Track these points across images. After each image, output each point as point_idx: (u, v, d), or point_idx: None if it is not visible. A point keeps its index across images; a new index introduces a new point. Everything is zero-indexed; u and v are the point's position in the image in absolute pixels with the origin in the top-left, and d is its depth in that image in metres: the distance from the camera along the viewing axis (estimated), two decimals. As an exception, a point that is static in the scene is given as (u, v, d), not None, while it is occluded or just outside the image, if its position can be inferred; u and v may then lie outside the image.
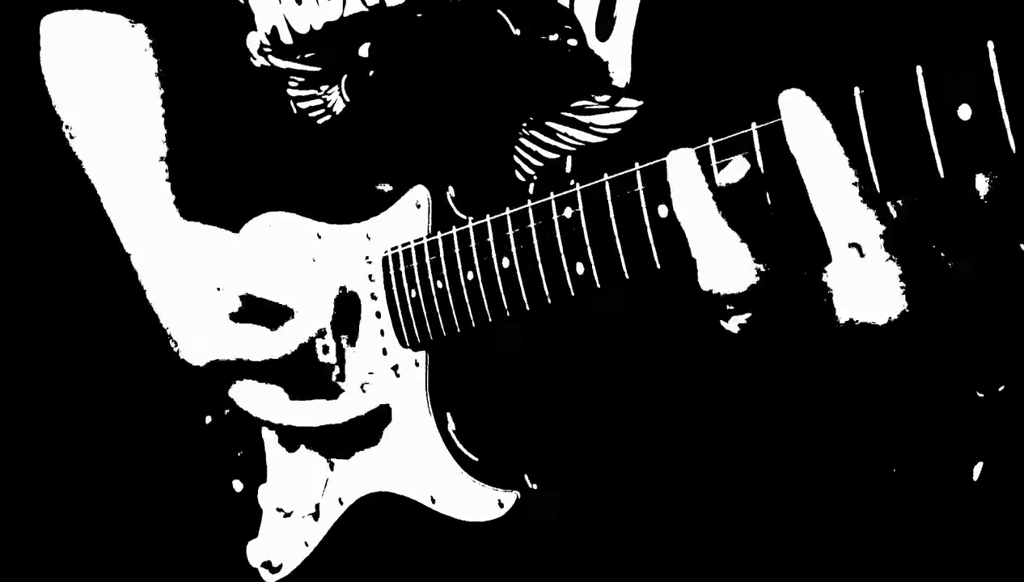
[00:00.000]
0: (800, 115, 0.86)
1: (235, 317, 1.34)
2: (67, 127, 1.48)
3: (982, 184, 0.86)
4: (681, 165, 0.93)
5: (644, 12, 1.16)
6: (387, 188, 1.29)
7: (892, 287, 0.85)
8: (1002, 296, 0.90)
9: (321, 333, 1.33)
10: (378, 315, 1.32)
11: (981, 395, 0.99)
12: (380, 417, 1.33)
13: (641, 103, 1.20)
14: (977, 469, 1.16)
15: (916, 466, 1.17)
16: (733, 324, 0.93)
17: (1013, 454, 1.15)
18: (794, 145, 0.87)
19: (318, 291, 1.33)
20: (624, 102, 1.20)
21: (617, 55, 1.18)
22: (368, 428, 1.34)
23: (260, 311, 1.34)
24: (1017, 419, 1.13)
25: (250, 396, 1.37)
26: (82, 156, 1.46)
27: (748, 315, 0.90)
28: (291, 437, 1.43)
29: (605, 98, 1.21)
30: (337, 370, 1.34)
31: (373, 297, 1.32)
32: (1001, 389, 0.99)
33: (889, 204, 0.85)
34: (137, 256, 1.42)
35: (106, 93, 1.47)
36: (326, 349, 1.34)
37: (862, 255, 0.85)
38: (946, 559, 1.20)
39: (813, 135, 0.85)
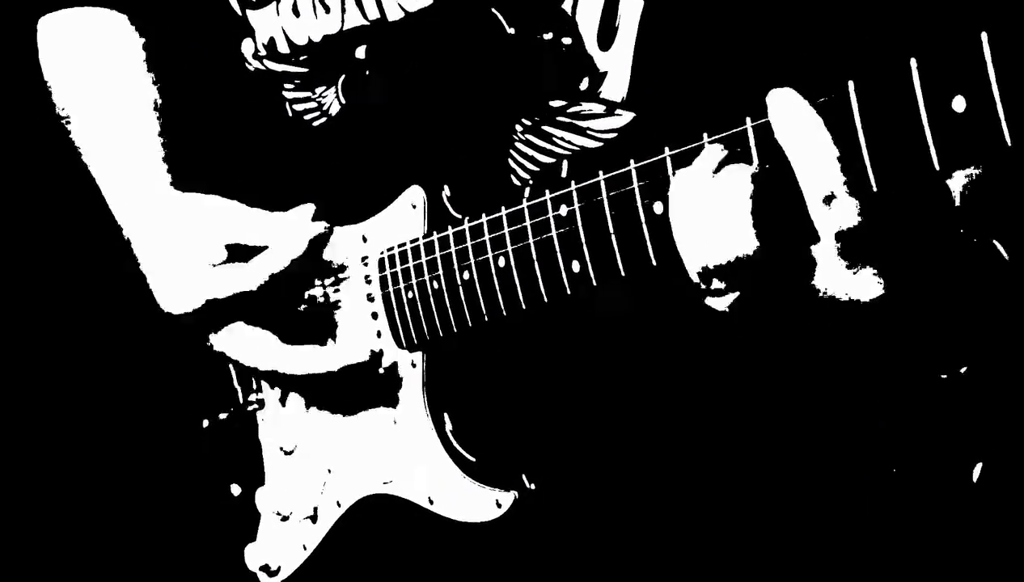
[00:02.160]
0: (787, 111, 0.87)
1: (225, 258, 1.32)
2: (67, 122, 1.47)
3: (956, 184, 0.87)
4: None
5: (646, 22, 1.16)
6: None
7: (870, 274, 0.87)
8: (967, 284, 0.91)
9: (302, 274, 1.31)
10: (375, 316, 1.32)
11: (944, 376, 1.00)
12: (375, 369, 1.30)
13: (634, 115, 1.20)
14: (977, 470, 1.16)
15: (916, 466, 1.17)
16: (721, 303, 0.94)
17: (1013, 455, 1.15)
18: (783, 140, 0.87)
19: (293, 230, 1.31)
20: (620, 111, 1.20)
21: (617, 65, 1.18)
22: (364, 384, 1.32)
23: (245, 251, 1.32)
24: (1017, 419, 1.13)
25: (238, 342, 1.34)
26: (86, 156, 1.46)
27: (736, 294, 0.91)
28: (284, 384, 1.40)
29: (600, 109, 1.21)
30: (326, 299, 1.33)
31: (370, 298, 1.32)
32: (963, 371, 0.99)
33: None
34: (140, 256, 1.41)
35: (105, 92, 1.47)
36: (313, 300, 1.33)
37: (848, 244, 0.86)
38: (946, 559, 1.20)
39: (801, 130, 0.86)
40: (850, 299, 0.88)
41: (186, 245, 1.33)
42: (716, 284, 0.91)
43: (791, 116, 0.87)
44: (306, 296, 1.34)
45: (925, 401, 1.08)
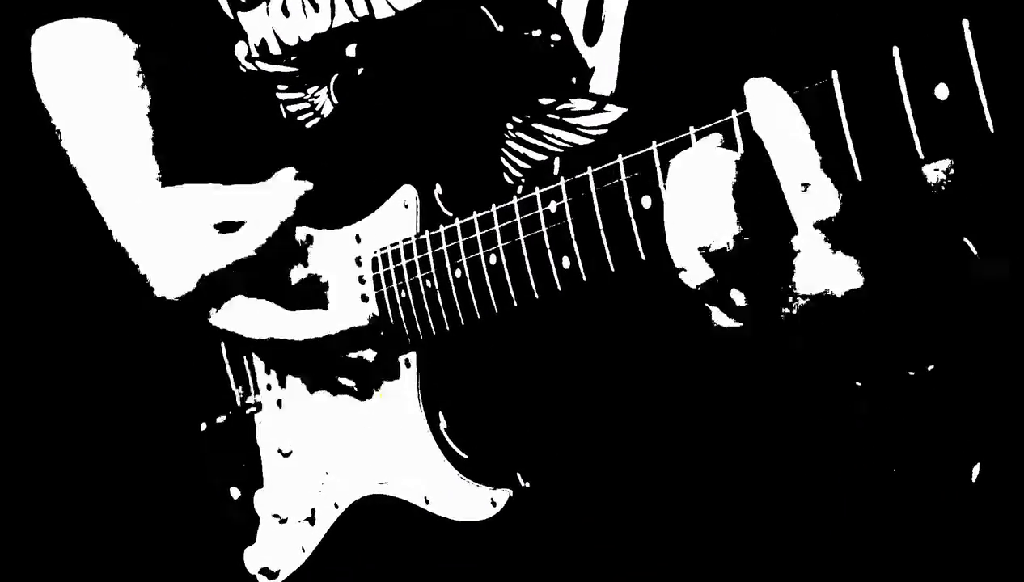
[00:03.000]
0: (764, 100, 0.87)
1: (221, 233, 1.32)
2: (58, 132, 1.48)
3: (932, 177, 0.87)
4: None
5: (632, 16, 1.16)
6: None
7: (850, 265, 0.86)
8: (937, 281, 0.91)
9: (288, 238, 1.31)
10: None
11: (912, 373, 1.00)
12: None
13: (625, 110, 1.20)
14: (976, 470, 1.15)
15: (916, 466, 1.17)
16: (722, 317, 0.93)
17: (1012, 455, 1.15)
18: (760, 129, 0.87)
19: (278, 193, 1.31)
20: (610, 108, 1.20)
21: (604, 60, 1.18)
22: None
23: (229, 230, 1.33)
24: (1016, 420, 1.12)
25: (239, 315, 1.33)
26: (75, 162, 1.47)
27: (743, 296, 0.90)
28: (285, 364, 1.40)
29: (590, 105, 1.21)
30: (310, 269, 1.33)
31: (364, 299, 1.32)
32: (931, 368, 0.99)
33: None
34: (131, 250, 1.41)
35: (98, 102, 1.48)
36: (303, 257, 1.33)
37: (829, 233, 0.86)
38: (946, 559, 1.19)
39: (777, 119, 0.86)
40: (826, 292, 0.88)
41: (176, 232, 1.33)
42: (696, 266, 0.91)
43: (768, 105, 0.87)
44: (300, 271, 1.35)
45: (924, 401, 1.08)
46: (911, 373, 1.00)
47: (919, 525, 1.18)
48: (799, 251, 0.88)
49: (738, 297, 0.91)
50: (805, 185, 0.85)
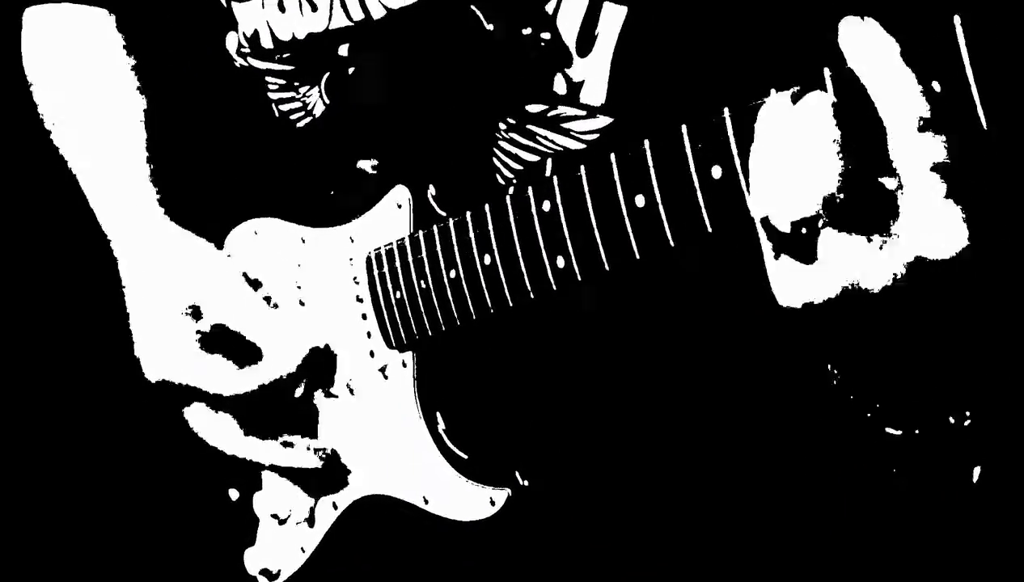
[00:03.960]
0: (864, 38, 0.82)
1: (204, 342, 1.34)
2: (50, 123, 1.47)
3: None
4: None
5: (626, 31, 1.15)
6: (369, 166, 1.29)
7: (957, 215, 0.81)
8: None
9: (292, 379, 1.33)
10: (364, 317, 1.32)
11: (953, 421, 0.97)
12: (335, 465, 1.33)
13: (612, 120, 1.19)
14: (976, 472, 1.15)
15: (916, 467, 1.16)
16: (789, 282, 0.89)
17: (1012, 457, 1.15)
18: (859, 67, 0.83)
19: (293, 337, 1.33)
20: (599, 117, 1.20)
21: (595, 74, 1.18)
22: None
23: (229, 343, 1.34)
24: (1016, 421, 1.12)
25: (203, 421, 1.37)
26: (65, 153, 1.46)
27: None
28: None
29: (582, 113, 1.20)
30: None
31: (359, 299, 1.32)
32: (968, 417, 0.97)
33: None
34: (120, 253, 1.41)
35: (89, 89, 1.47)
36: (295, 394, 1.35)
37: (944, 176, 0.80)
38: (946, 560, 1.19)
39: (881, 55, 0.81)
40: (931, 252, 0.81)
41: (171, 298, 1.35)
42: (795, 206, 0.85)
43: (868, 41, 0.82)
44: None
45: (926, 401, 1.07)
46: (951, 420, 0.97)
47: (919, 526, 1.18)
48: (906, 201, 0.82)
49: (834, 241, 0.86)
50: (924, 121, 0.80)
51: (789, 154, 0.86)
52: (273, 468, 1.37)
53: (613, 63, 1.16)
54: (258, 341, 1.34)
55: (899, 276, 0.84)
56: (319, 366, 1.34)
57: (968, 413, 0.96)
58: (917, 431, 0.97)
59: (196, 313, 1.35)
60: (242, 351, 1.34)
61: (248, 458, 1.36)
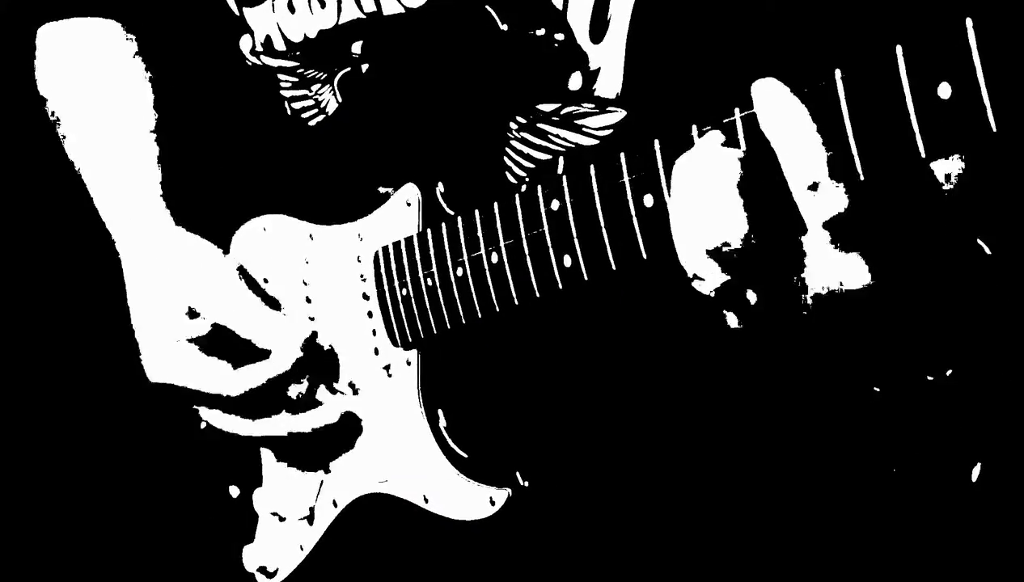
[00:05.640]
0: (772, 101, 0.87)
1: (203, 345, 1.35)
2: (62, 133, 1.48)
3: (942, 174, 0.87)
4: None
5: (638, 17, 1.16)
6: (386, 191, 1.29)
7: (859, 262, 0.87)
8: (954, 284, 0.91)
9: (296, 376, 1.34)
10: (370, 315, 1.32)
11: (931, 378, 0.99)
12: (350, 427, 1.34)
13: (626, 114, 1.20)
14: (976, 471, 1.15)
15: (916, 466, 1.16)
16: (706, 287, 0.93)
17: (1012, 456, 1.15)
18: (768, 130, 0.88)
19: (297, 334, 1.34)
20: (614, 108, 1.20)
21: (610, 60, 1.18)
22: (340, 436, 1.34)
23: (228, 344, 1.35)
24: (1016, 420, 1.12)
25: (214, 414, 1.39)
26: (76, 159, 1.47)
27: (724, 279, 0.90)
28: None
29: (595, 109, 1.21)
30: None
31: (365, 297, 1.32)
32: (949, 373, 0.99)
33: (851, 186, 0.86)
34: (126, 258, 1.42)
35: (100, 97, 1.48)
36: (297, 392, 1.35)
37: (837, 231, 0.86)
38: (945, 559, 1.19)
39: (785, 119, 0.86)
40: (840, 289, 0.88)
41: (173, 300, 1.36)
42: (708, 270, 0.91)
43: (775, 105, 0.87)
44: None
45: (922, 400, 1.08)
46: (929, 378, 1.00)
47: (919, 525, 1.18)
48: (809, 250, 0.88)
49: (752, 297, 0.91)
50: (814, 185, 0.85)
51: (700, 202, 0.91)
52: (291, 435, 1.35)
53: (628, 46, 1.17)
54: (261, 341, 1.34)
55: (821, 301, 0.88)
56: (323, 363, 1.35)
57: (948, 372, 0.98)
58: (897, 389, 1.01)
59: (196, 315, 1.35)
60: (242, 352, 1.35)
61: (264, 434, 1.35)
